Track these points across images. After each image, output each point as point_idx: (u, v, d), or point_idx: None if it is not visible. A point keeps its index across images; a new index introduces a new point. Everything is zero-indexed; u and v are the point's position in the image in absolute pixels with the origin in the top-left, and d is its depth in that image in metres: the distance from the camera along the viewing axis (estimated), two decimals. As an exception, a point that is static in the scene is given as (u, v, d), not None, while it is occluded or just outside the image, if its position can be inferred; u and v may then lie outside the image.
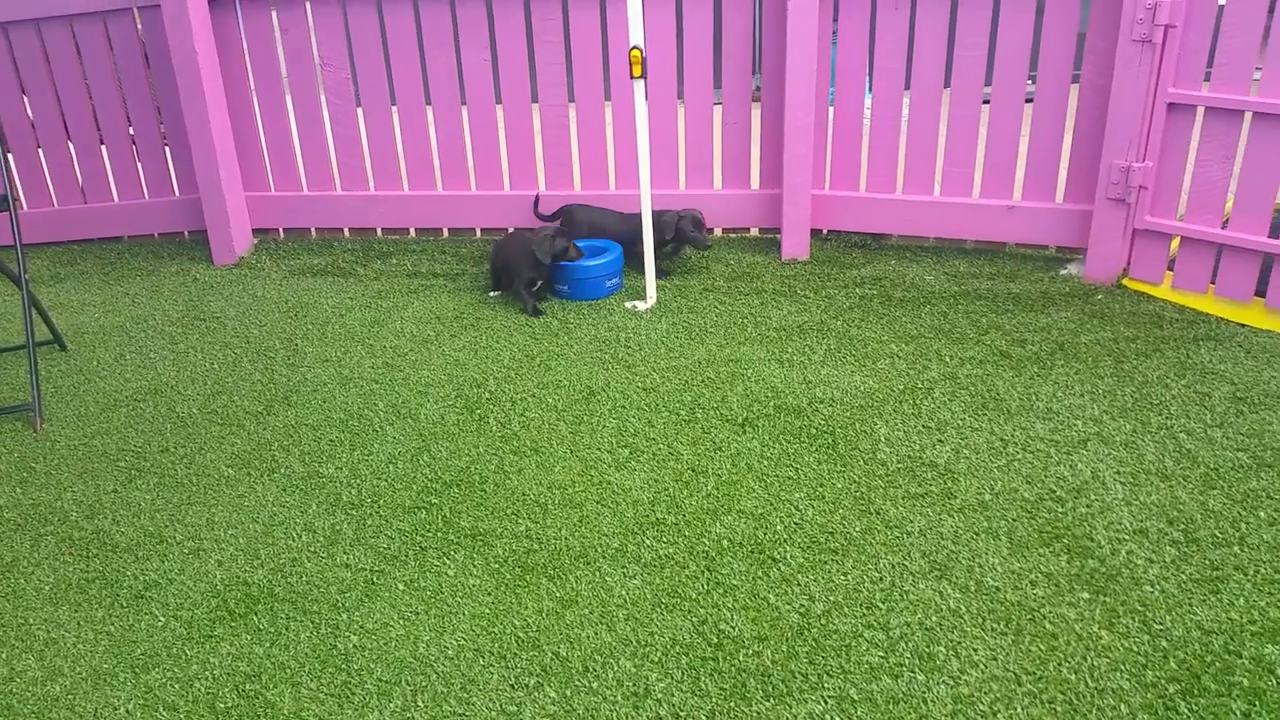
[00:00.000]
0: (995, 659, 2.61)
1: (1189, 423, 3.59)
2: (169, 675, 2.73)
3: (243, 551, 3.20)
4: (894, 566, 2.95)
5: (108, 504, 3.49)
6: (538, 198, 5.49)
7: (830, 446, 3.56)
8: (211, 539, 3.28)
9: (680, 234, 5.04)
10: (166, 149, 5.83)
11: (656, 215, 4.88)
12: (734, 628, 2.76)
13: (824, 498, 3.28)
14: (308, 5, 5.48)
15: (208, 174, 5.51)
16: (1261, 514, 3.10)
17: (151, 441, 3.87)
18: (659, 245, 4.94)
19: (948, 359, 4.12)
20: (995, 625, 2.72)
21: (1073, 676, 2.54)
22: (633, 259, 5.09)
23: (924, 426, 3.66)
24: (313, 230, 5.97)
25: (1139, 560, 2.93)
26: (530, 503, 3.35)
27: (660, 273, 5.07)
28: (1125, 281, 4.71)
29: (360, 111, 5.65)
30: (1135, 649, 2.62)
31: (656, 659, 2.67)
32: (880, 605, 2.81)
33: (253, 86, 5.64)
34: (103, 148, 5.89)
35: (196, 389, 4.24)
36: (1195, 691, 2.48)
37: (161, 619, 2.93)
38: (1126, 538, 3.02)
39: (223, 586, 3.05)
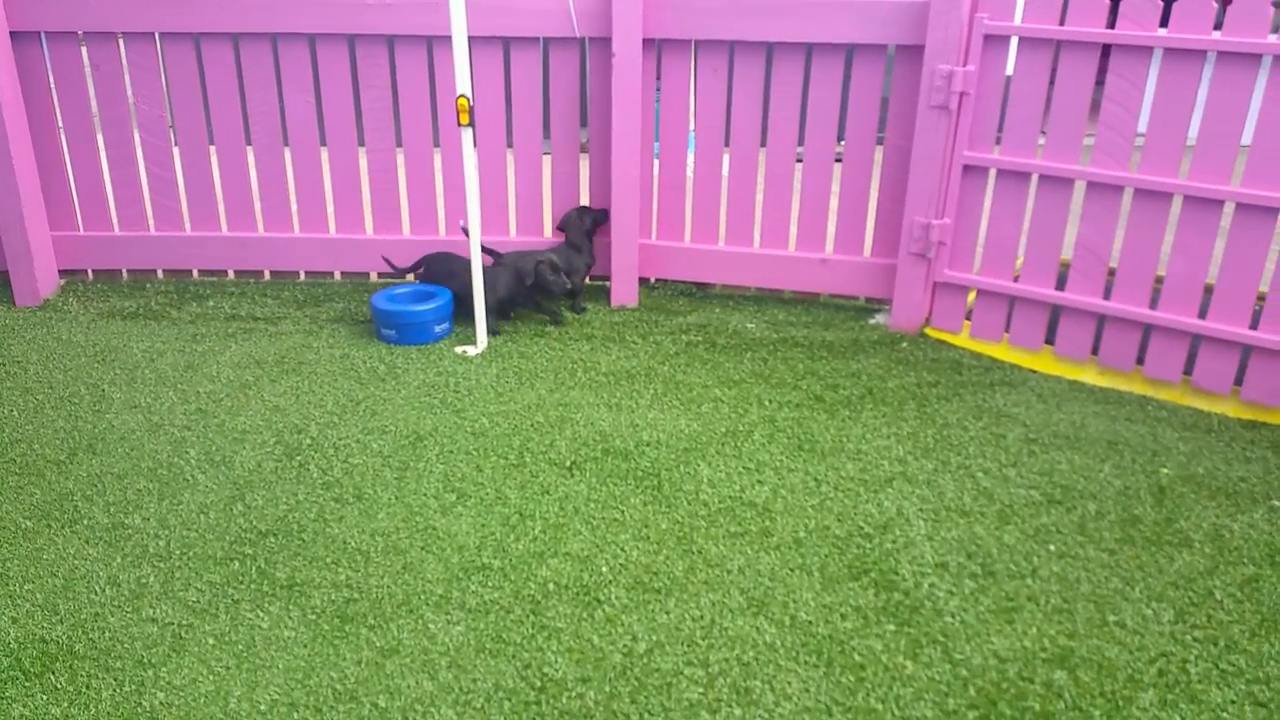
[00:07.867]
0: (808, 690, 2.71)
1: (985, 462, 3.82)
2: (-44, 740, 2.57)
3: (40, 607, 3.04)
4: (714, 604, 3.03)
5: (-111, 560, 3.26)
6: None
7: (655, 488, 3.64)
8: (5, 595, 3.10)
9: (540, 280, 4.98)
10: (-37, 185, 5.52)
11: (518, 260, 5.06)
12: (558, 670, 2.78)
13: (649, 539, 3.35)
14: (120, 41, 5.30)
15: (9, 211, 5.24)
16: (1051, 547, 3.32)
17: (-60, 493, 3.64)
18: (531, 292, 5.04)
19: (767, 403, 4.27)
20: (808, 658, 2.82)
21: (880, 706, 2.67)
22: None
23: (744, 467, 3.77)
24: (124, 272, 5.74)
25: (940, 593, 3.09)
26: (351, 551, 3.29)
27: (557, 316, 5.17)
28: (928, 330, 4.99)
29: (176, 151, 5.48)
30: (937, 678, 2.76)
31: (479, 706, 2.67)
32: (700, 642, 2.88)
33: (60, 123, 5.41)
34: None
35: (-8, 437, 4.01)
36: (993, 717, 2.64)
37: (-52, 681, 2.76)
38: (929, 571, 3.19)
39: (16, 645, 2.89)
